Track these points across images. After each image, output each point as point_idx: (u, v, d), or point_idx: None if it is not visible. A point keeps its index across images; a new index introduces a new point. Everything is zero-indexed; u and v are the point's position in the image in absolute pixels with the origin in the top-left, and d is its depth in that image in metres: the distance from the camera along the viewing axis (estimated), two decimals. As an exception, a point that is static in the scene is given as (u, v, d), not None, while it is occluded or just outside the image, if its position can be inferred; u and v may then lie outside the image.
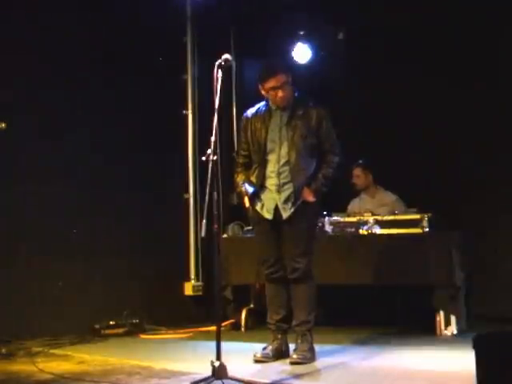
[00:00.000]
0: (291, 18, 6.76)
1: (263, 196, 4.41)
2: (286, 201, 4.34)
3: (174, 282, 6.54)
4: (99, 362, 4.56)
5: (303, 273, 4.33)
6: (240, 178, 4.52)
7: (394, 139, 6.59)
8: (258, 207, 4.43)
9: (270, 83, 4.33)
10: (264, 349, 4.43)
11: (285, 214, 4.35)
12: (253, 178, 4.45)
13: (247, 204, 4.48)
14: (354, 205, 6.54)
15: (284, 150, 4.35)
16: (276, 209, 4.37)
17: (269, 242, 4.45)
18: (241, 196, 4.53)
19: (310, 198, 4.33)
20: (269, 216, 4.39)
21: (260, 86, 4.42)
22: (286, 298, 4.45)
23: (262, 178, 4.40)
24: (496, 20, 6.07)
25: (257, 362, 4.35)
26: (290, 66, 4.73)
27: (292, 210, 4.33)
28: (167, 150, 6.53)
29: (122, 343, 5.47)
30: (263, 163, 4.40)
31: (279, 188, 4.36)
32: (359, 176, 6.51)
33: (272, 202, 4.38)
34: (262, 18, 6.79)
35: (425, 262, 5.35)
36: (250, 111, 4.55)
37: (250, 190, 4.43)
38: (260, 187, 4.41)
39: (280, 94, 4.33)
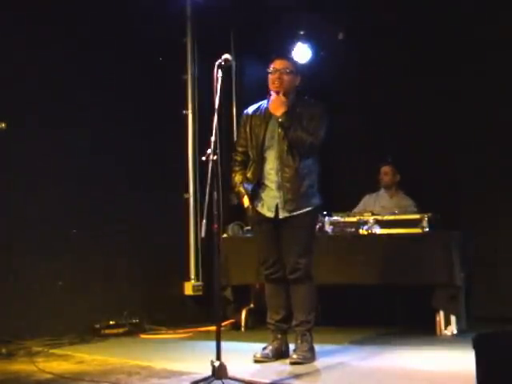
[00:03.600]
0: (291, 17, 6.76)
1: (263, 194, 4.40)
2: (286, 201, 4.33)
3: (174, 282, 6.54)
4: (99, 361, 4.55)
5: (303, 273, 4.32)
6: (238, 179, 4.49)
7: (394, 139, 6.59)
8: (258, 207, 4.42)
9: (275, 64, 4.41)
10: (264, 349, 4.42)
11: (282, 214, 4.34)
12: (249, 175, 4.45)
13: (246, 203, 4.46)
14: (369, 199, 6.47)
15: (281, 146, 4.35)
16: (277, 207, 4.35)
17: (268, 242, 4.43)
18: (239, 196, 4.50)
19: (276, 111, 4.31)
20: (270, 214, 4.37)
21: (268, 74, 4.44)
22: (285, 298, 4.44)
23: (260, 175, 4.39)
24: (497, 20, 6.08)
25: (256, 362, 4.34)
26: (300, 68, 4.74)
27: (291, 214, 4.32)
28: (167, 150, 6.53)
29: (122, 343, 5.47)
30: (260, 160, 4.39)
31: (279, 185, 4.35)
32: (387, 173, 6.44)
33: (273, 200, 4.37)
34: (262, 17, 6.79)
35: (425, 262, 5.35)
36: (251, 108, 4.56)
37: (249, 188, 4.41)
38: (258, 184, 4.40)
39: (277, 75, 4.37)
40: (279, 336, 4.45)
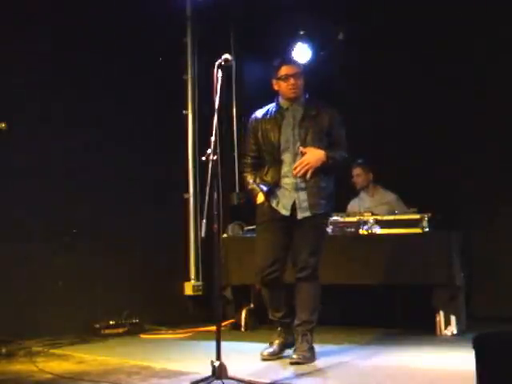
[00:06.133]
0: (291, 17, 6.76)
1: (280, 193, 4.39)
2: (303, 202, 4.34)
3: (173, 281, 6.54)
4: (99, 361, 4.56)
5: (311, 272, 4.34)
6: (250, 177, 4.50)
7: (394, 139, 6.59)
8: (273, 204, 4.40)
9: (285, 70, 4.41)
10: (270, 346, 4.48)
11: (300, 215, 4.34)
12: (267, 178, 4.42)
13: (260, 200, 4.43)
14: (353, 205, 6.55)
15: (297, 150, 4.36)
16: (293, 206, 4.35)
17: (276, 240, 4.41)
18: (253, 193, 4.47)
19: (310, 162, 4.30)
20: (286, 212, 4.36)
21: (274, 79, 4.46)
22: (283, 297, 4.47)
23: (278, 178, 4.39)
24: (497, 20, 6.08)
25: (264, 360, 4.39)
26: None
27: (308, 215, 4.33)
28: (167, 150, 6.53)
29: (122, 343, 5.47)
30: (277, 163, 4.39)
31: (297, 186, 4.36)
32: (359, 175, 6.52)
33: (290, 199, 4.37)
34: (262, 17, 6.79)
35: (425, 262, 5.35)
36: (259, 112, 4.55)
37: (265, 188, 4.40)
38: (275, 186, 4.39)
39: (292, 81, 4.38)
40: (284, 331, 4.50)
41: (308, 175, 4.31)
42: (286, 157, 4.39)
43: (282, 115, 4.43)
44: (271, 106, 4.52)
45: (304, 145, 4.34)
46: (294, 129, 4.38)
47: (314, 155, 4.30)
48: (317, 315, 4.40)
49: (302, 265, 4.34)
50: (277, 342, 4.48)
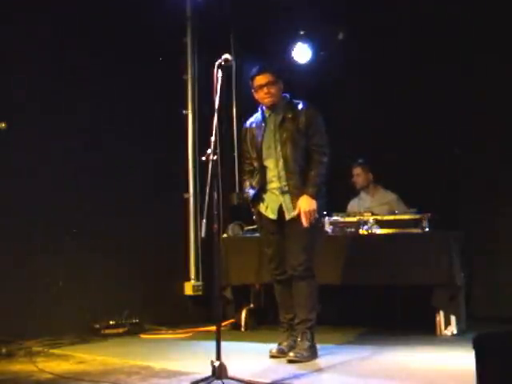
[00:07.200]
0: (291, 17, 6.76)
1: (266, 197, 4.50)
2: (290, 203, 4.40)
3: (173, 281, 6.54)
4: (99, 361, 4.56)
5: (303, 270, 4.35)
6: (245, 185, 4.66)
7: (394, 139, 6.59)
8: (262, 209, 4.52)
9: (258, 81, 4.47)
10: (279, 344, 4.50)
11: (288, 215, 4.41)
12: (254, 183, 4.56)
13: (252, 209, 4.60)
14: (353, 204, 6.55)
15: (279, 154, 4.43)
16: (280, 209, 4.44)
17: (273, 244, 4.51)
18: (248, 201, 4.61)
19: (305, 221, 4.31)
20: (273, 216, 4.47)
21: (252, 90, 4.53)
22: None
23: (263, 183, 4.49)
24: (498, 21, 6.08)
25: (272, 357, 4.43)
26: (282, 70, 4.78)
27: (295, 213, 4.37)
28: (167, 150, 6.53)
29: (122, 343, 5.47)
30: (263, 169, 4.50)
31: (282, 190, 4.44)
32: (359, 175, 6.52)
33: (276, 203, 4.47)
34: (262, 17, 6.79)
35: (425, 262, 5.35)
36: (249, 121, 4.68)
37: (251, 194, 4.55)
38: (262, 190, 4.50)
39: (265, 90, 4.44)
40: (292, 333, 4.51)
41: (314, 217, 4.33)
42: (270, 162, 4.49)
43: (265, 122, 4.53)
44: (258, 114, 4.61)
45: (284, 148, 4.39)
46: (275, 134, 4.47)
47: (306, 202, 4.32)
48: (315, 313, 4.42)
49: (293, 262, 4.37)
50: (285, 343, 4.51)
